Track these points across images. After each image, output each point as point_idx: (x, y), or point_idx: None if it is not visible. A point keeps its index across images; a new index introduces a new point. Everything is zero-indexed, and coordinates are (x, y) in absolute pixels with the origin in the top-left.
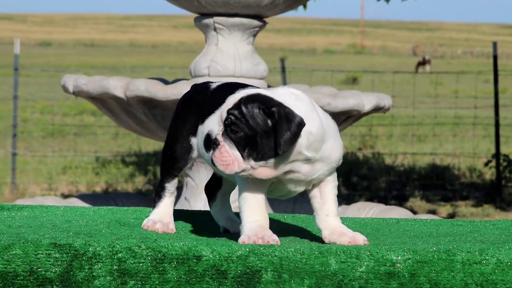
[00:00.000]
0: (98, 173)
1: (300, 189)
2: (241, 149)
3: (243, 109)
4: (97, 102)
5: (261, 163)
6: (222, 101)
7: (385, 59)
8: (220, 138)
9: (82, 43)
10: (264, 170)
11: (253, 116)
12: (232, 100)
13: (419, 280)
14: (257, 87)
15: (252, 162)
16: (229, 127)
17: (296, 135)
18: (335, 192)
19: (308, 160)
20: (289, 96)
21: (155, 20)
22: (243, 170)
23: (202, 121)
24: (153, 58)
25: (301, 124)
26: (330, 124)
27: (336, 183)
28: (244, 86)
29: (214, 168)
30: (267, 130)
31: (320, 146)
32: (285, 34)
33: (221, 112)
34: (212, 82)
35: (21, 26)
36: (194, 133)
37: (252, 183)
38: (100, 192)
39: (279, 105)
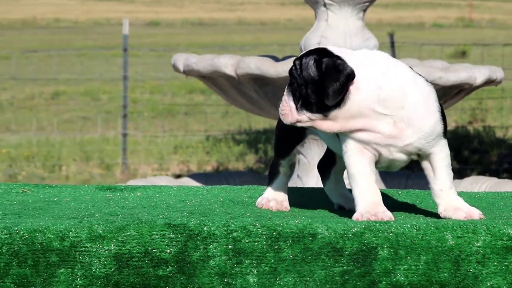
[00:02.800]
0: (209, 152)
1: (399, 156)
2: (296, 100)
3: (303, 60)
4: (207, 80)
5: (318, 115)
6: None
7: (494, 32)
8: (286, 88)
9: (190, 22)
10: (326, 123)
11: (307, 67)
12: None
13: None
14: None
15: (309, 114)
16: (290, 78)
17: (344, 85)
18: (447, 162)
19: (387, 119)
20: (362, 54)
21: None
22: (298, 121)
23: None
24: (261, 35)
25: (351, 75)
26: (421, 87)
27: (446, 153)
28: None
29: (328, 144)
30: (317, 81)
31: (399, 104)
32: (393, 9)
33: None
34: None
35: (129, 7)
36: None
37: (359, 159)
38: (211, 171)
39: (332, 56)
